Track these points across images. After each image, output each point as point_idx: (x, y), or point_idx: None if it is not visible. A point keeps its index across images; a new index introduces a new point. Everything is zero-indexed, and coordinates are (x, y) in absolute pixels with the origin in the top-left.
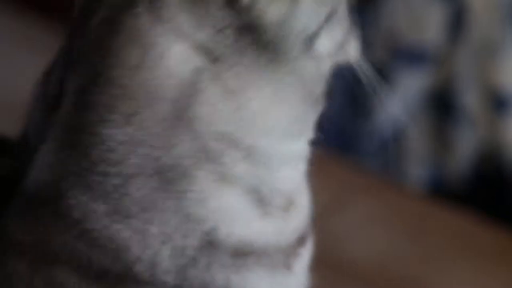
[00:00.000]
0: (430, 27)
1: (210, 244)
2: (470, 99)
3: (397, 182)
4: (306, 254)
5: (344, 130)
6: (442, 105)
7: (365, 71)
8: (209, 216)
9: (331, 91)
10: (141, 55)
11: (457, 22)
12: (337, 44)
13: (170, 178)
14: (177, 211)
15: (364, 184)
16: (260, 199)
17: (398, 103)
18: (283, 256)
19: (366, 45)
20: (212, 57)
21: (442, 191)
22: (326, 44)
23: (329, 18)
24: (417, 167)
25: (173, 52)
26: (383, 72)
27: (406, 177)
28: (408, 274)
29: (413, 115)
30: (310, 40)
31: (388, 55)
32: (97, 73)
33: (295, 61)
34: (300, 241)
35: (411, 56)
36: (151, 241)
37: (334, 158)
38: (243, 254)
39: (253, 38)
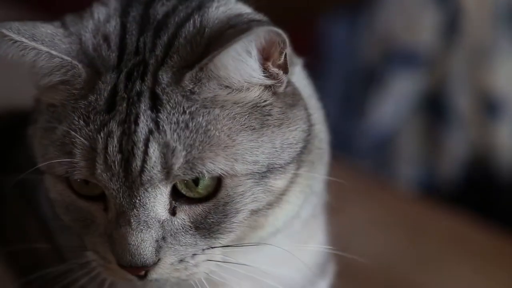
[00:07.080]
0: (424, 30)
1: None
2: (462, 102)
3: (390, 183)
4: None
5: (338, 131)
6: (434, 107)
7: None
8: None
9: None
10: None
11: (451, 26)
12: None
13: None
14: None
15: (361, 187)
16: None
17: (392, 105)
18: None
19: (361, 47)
20: None
21: (433, 192)
22: None
23: None
24: (408, 168)
25: None
26: (377, 74)
27: (397, 177)
28: (405, 275)
29: (406, 117)
30: None
31: (383, 57)
32: None
33: None
34: None
35: (405, 58)
36: None
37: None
38: None
39: None
